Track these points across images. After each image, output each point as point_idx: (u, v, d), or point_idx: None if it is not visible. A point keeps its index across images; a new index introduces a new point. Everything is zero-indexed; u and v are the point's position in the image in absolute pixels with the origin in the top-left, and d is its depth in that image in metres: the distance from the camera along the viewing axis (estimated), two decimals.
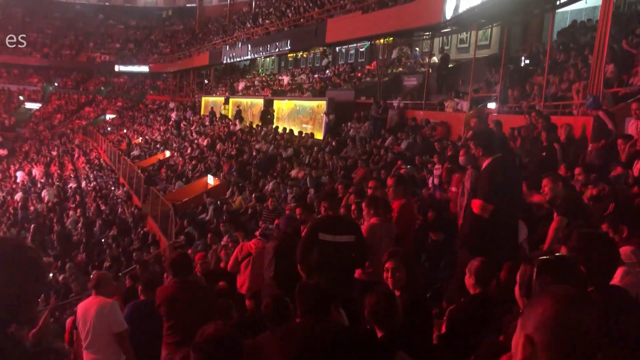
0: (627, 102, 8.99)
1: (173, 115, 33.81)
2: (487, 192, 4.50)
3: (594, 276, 2.32)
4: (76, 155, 36.64)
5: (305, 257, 4.94)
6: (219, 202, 15.69)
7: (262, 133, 21.99)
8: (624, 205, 5.34)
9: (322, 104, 19.97)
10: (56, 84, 52.36)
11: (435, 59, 19.28)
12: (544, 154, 7.69)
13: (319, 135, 19.14)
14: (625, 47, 11.21)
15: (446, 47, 21.21)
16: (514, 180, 4.73)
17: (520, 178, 5.08)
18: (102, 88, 52.19)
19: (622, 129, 7.70)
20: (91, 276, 13.12)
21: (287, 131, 20.62)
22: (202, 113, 32.63)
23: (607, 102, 9.72)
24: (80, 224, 20.17)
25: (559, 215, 4.73)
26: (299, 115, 22.09)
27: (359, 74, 23.33)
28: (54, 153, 38.22)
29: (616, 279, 2.73)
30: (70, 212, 21.95)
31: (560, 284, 2.14)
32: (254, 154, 19.12)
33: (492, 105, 13.74)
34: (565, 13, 17.10)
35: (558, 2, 12.34)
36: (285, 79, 29.54)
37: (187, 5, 55.83)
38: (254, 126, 24.02)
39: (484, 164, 4.69)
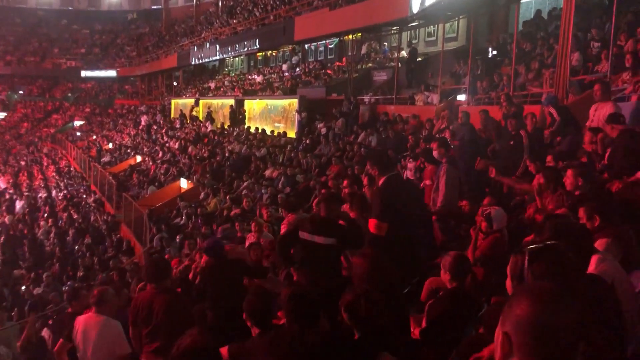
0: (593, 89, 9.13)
1: (143, 119, 33.40)
2: (380, 211, 4.59)
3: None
4: (45, 164, 35.94)
5: (283, 253, 5.01)
6: (193, 205, 15.52)
7: (235, 134, 21.84)
8: (596, 191, 5.42)
9: (293, 102, 19.92)
10: (21, 92, 51.30)
11: (404, 53, 19.36)
12: (511, 142, 7.77)
13: (292, 134, 19.09)
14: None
15: (414, 41, 21.32)
16: (407, 195, 4.85)
17: (416, 191, 5.17)
18: (69, 94, 51.28)
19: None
20: (64, 289, 12.91)
21: (260, 131, 20.50)
22: (172, 116, 32.28)
23: (574, 90, 9.86)
24: (52, 234, 19.78)
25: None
26: (270, 115, 21.99)
27: (330, 71, 23.32)
28: (22, 163, 37.43)
29: (591, 267, 2.74)
30: (42, 223, 21.51)
31: (554, 272, 2.14)
32: (227, 155, 18.97)
33: (461, 97, 13.84)
34: (530, 3, 17.32)
35: None
36: (258, 78, 29.36)
37: (153, 7, 55.20)
38: (226, 127, 23.85)
39: (379, 183, 4.80)
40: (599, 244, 3.33)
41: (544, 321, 1.38)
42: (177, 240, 12.94)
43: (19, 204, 25.20)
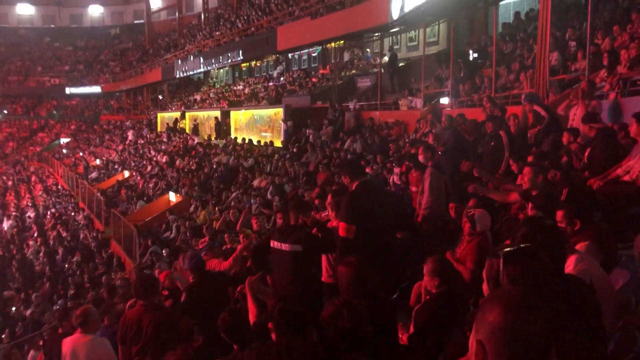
0: (573, 88, 9.26)
1: (130, 134, 33.28)
2: (347, 214, 4.65)
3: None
4: (32, 183, 35.68)
5: (257, 263, 5.08)
6: (182, 219, 15.49)
7: (222, 145, 21.84)
8: (577, 190, 5.50)
9: (279, 112, 19.96)
10: (5, 112, 50.93)
11: (386, 59, 19.48)
12: (492, 143, 7.84)
13: (279, 143, 19.12)
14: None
15: (396, 47, 21.46)
16: (378, 200, 4.87)
17: (388, 196, 5.21)
18: (54, 112, 50.99)
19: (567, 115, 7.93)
20: (55, 309, 12.80)
21: (247, 141, 20.52)
22: (158, 129, 32.20)
23: (554, 89, 9.99)
24: (42, 254, 19.64)
25: (535, 210, 4.71)
26: (257, 125, 22.01)
27: (315, 80, 23.40)
28: (9, 182, 37.13)
29: (570, 267, 2.79)
30: (31, 242, 21.36)
31: (529, 274, 2.18)
32: (215, 166, 18.96)
33: (444, 101, 13.95)
34: (509, 5, 17.52)
35: None
36: (244, 89, 29.36)
37: (135, 22, 55.10)
38: (212, 139, 23.85)
39: (352, 188, 4.91)
40: (579, 247, 3.37)
41: (516, 327, 1.38)
42: (164, 253, 12.93)
43: (6, 224, 25.01)
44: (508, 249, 2.31)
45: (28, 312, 13.85)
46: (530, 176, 4.92)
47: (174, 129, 28.94)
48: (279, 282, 4.71)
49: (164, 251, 13.23)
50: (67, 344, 4.92)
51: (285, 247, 4.64)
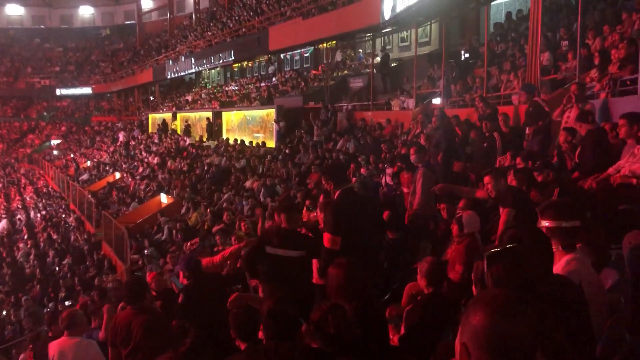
0: (564, 88, 9.29)
1: (121, 135, 33.12)
2: (332, 225, 4.52)
3: None
4: (23, 185, 35.44)
5: (251, 269, 4.91)
6: (173, 220, 15.43)
7: (213, 146, 21.77)
8: (568, 190, 5.51)
9: (271, 112, 19.91)
10: None
11: (378, 59, 19.49)
12: (485, 144, 7.85)
13: (271, 144, 19.07)
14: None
15: (388, 47, 21.47)
16: (361, 208, 4.74)
17: (372, 203, 5.05)
18: (45, 113, 50.65)
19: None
20: (45, 312, 12.70)
21: (239, 142, 20.47)
22: (150, 130, 32.08)
23: (545, 89, 10.01)
24: (32, 256, 19.50)
25: (506, 208, 4.77)
26: (249, 125, 21.96)
27: (308, 79, 23.37)
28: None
29: (559, 268, 2.78)
30: (21, 245, 21.20)
31: (512, 275, 2.16)
32: (206, 168, 18.89)
33: (436, 101, 13.97)
34: (500, 5, 17.58)
35: None
36: (239, 89, 29.29)
37: (126, 22, 54.83)
38: (204, 140, 23.77)
39: (335, 197, 4.78)
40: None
41: (499, 331, 1.38)
42: (147, 251, 12.89)
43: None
44: (492, 250, 2.30)
45: (20, 314, 13.76)
46: (493, 183, 4.89)
47: (164, 129, 28.83)
48: (290, 289, 4.56)
49: (146, 251, 13.18)
50: (54, 347, 4.88)
51: (290, 253, 4.57)
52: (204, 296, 5.38)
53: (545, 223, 2.91)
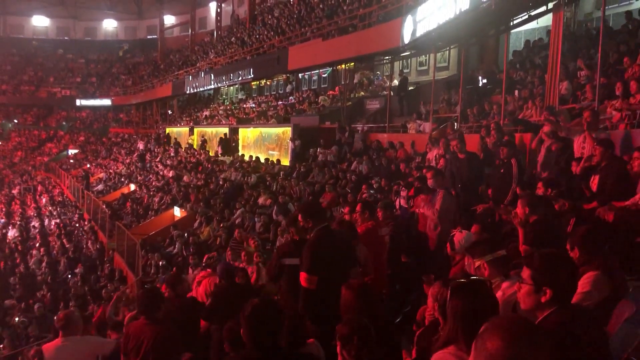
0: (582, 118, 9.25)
1: (140, 145, 33.37)
2: (309, 264, 4.53)
3: (559, 297, 2.33)
4: (39, 193, 35.81)
5: (275, 281, 5.26)
6: (186, 234, 15.47)
7: (229, 162, 21.90)
8: (585, 220, 5.46)
9: (287, 130, 20.03)
10: (16, 121, 51.37)
11: (396, 82, 19.58)
12: (502, 170, 7.82)
13: (286, 162, 19.15)
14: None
15: (406, 70, 21.57)
16: (339, 247, 4.75)
17: (346, 244, 5.04)
18: (64, 123, 51.40)
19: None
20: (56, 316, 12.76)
21: (254, 159, 20.58)
22: (171, 143, 32.36)
23: (564, 118, 9.97)
24: (44, 264, 19.63)
25: (526, 245, 4.61)
26: (265, 142, 22.09)
27: (327, 98, 23.48)
28: (15, 191, 37.28)
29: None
30: (34, 252, 21.36)
31: (470, 310, 2.16)
32: (221, 183, 18.98)
33: (454, 126, 13.95)
34: (520, 33, 17.61)
35: (511, 24, 12.71)
36: (256, 106, 29.50)
37: (148, 37, 55.73)
38: (220, 155, 23.94)
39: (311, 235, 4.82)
40: (587, 276, 3.33)
41: (516, 357, 1.38)
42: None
43: (11, 233, 25.05)
44: (459, 281, 2.30)
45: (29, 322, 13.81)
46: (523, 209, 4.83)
47: (179, 143, 29.10)
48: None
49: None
50: (49, 348, 4.92)
51: None
52: (230, 302, 5.46)
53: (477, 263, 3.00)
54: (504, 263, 3.38)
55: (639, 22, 12.69)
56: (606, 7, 10.70)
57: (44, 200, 33.23)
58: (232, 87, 34.76)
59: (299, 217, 4.88)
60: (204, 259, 9.63)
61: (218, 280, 6.24)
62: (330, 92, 24.13)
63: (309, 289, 4.51)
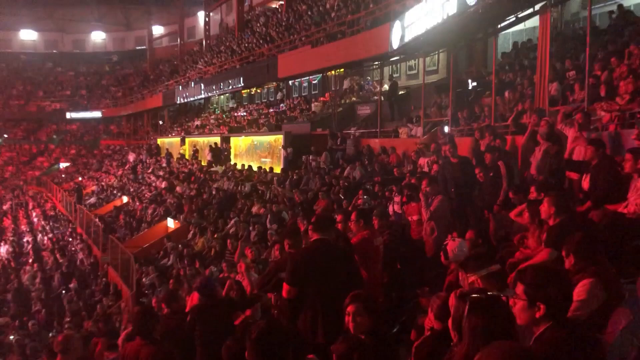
0: (572, 118, 9.27)
1: (131, 157, 33.26)
2: (290, 276, 4.53)
3: (553, 312, 2.31)
4: (30, 208, 35.57)
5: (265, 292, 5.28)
6: (180, 246, 15.39)
7: (221, 171, 21.84)
8: (579, 222, 5.45)
9: (279, 138, 20.00)
10: (6, 136, 51.07)
11: (386, 87, 19.61)
12: (491, 173, 7.84)
13: (279, 169, 19.12)
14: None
15: (395, 75, 21.61)
16: (328, 262, 4.59)
17: (343, 257, 4.83)
18: (54, 136, 51.15)
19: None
20: (50, 337, 12.64)
21: (246, 167, 20.54)
22: (161, 154, 32.25)
23: (554, 119, 10.00)
24: (38, 279, 19.46)
25: (548, 247, 4.55)
26: (257, 151, 22.06)
27: (317, 105, 23.47)
28: (5, 207, 37.01)
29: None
30: (27, 267, 21.19)
31: (489, 327, 2.14)
32: (214, 193, 18.91)
33: (444, 129, 13.96)
34: (507, 35, 17.68)
35: (499, 26, 12.74)
36: (246, 115, 29.45)
37: (137, 47, 55.62)
38: (212, 165, 23.87)
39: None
40: (582, 284, 3.32)
41: None
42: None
43: (3, 249, 24.84)
44: (477, 296, 2.28)
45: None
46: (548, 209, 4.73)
47: (171, 154, 29.02)
48: None
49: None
50: None
51: None
52: (212, 319, 5.37)
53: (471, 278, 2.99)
54: (498, 278, 3.37)
55: (624, 18, 12.78)
56: (592, 7, 10.73)
57: (34, 214, 32.96)
58: (222, 96, 34.72)
59: (309, 228, 4.84)
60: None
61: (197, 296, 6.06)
62: (321, 98, 24.13)
63: (293, 301, 4.54)
